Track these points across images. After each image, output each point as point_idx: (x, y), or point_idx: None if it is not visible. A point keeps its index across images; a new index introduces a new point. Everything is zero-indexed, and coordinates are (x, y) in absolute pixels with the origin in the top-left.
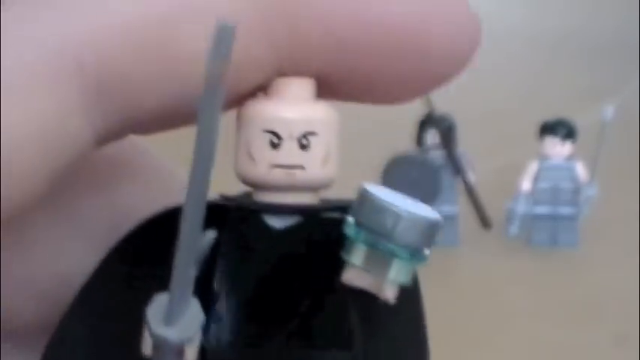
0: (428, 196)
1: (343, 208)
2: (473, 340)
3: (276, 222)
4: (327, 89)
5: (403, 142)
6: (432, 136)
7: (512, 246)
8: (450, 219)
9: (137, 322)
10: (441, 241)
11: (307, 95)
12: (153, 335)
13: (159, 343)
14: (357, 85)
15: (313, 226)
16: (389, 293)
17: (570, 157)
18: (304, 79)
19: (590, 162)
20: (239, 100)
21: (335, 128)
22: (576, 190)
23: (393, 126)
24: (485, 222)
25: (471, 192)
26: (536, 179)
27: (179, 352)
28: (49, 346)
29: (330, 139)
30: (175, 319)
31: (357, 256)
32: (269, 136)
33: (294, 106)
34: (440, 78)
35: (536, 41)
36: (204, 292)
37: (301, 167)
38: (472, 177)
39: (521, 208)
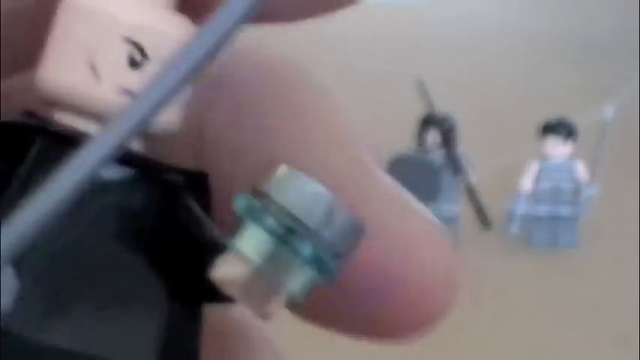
0: (428, 197)
1: (192, 174)
2: (473, 340)
3: (105, 169)
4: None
5: (403, 142)
6: (432, 136)
7: (512, 246)
8: (450, 219)
9: None
10: None
11: (174, 1)
12: None
13: None
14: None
15: (147, 185)
16: (274, 310)
17: (571, 157)
18: None
19: (591, 162)
20: None
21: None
22: (577, 190)
23: (393, 126)
24: (485, 222)
25: (471, 192)
26: (536, 179)
27: None
28: None
29: None
30: None
31: (255, 249)
32: (129, 49)
33: (170, 14)
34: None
35: (536, 41)
36: None
37: None
38: (472, 177)
39: (521, 208)
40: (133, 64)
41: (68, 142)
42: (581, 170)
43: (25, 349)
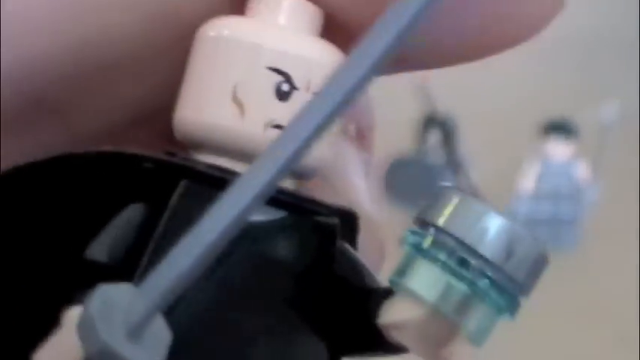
0: (427, 197)
1: (344, 213)
2: None
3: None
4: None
5: (403, 142)
6: (433, 137)
7: None
8: None
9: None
10: None
11: (318, 28)
12: (104, 347)
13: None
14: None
15: (302, 228)
16: (451, 356)
17: (572, 158)
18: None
19: (592, 162)
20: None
21: None
22: (578, 191)
23: (393, 126)
24: None
25: (471, 192)
26: (537, 180)
27: None
28: None
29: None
30: (139, 335)
31: (429, 288)
32: (276, 79)
33: (315, 41)
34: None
35: (536, 41)
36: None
37: None
38: (473, 177)
39: (522, 208)
40: (281, 95)
41: (214, 183)
42: (583, 171)
43: None
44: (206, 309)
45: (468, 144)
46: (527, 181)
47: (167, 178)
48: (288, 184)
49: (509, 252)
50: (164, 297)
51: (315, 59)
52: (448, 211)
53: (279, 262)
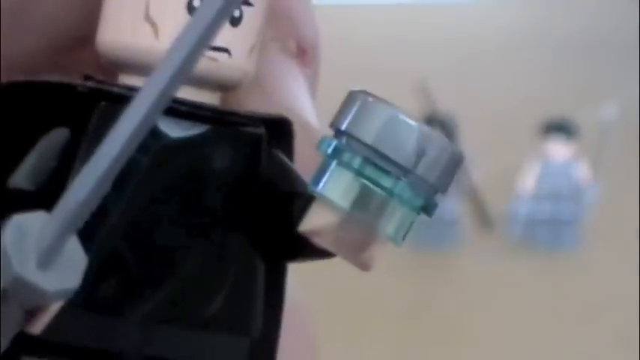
0: None
1: (268, 120)
2: (474, 340)
3: (172, 128)
4: None
5: None
6: None
7: (513, 247)
8: (451, 220)
9: None
10: (441, 243)
11: None
12: (17, 277)
13: (19, 289)
14: None
15: (225, 140)
16: (373, 257)
17: (573, 158)
18: None
19: (592, 163)
20: None
21: (267, 3)
22: (578, 191)
23: None
24: (486, 223)
25: (472, 193)
26: (538, 180)
27: (38, 307)
28: None
29: (262, 19)
30: (52, 261)
31: (342, 195)
32: None
33: None
34: None
35: (536, 41)
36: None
37: (227, 52)
38: (473, 177)
39: (522, 209)
40: (191, 9)
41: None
42: (583, 171)
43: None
44: (134, 222)
45: (468, 144)
46: (528, 181)
47: (86, 102)
48: (210, 97)
49: (419, 153)
50: (74, 220)
51: None
52: (353, 114)
53: (205, 173)
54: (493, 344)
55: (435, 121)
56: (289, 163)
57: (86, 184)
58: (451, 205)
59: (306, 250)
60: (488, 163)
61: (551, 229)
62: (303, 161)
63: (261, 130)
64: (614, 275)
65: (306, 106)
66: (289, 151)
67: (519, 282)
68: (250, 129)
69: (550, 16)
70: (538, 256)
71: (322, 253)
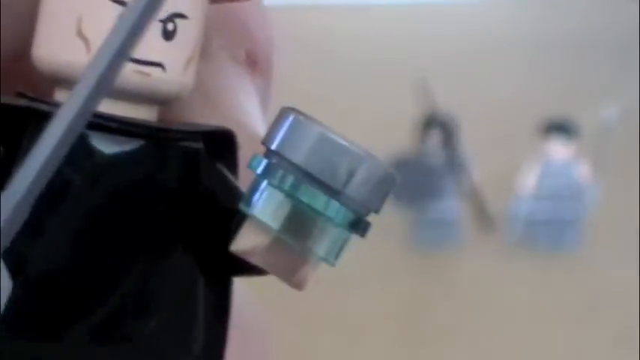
0: (428, 198)
1: (207, 133)
2: (474, 340)
3: (105, 144)
4: None
5: (403, 142)
6: (434, 137)
7: (513, 247)
8: (451, 220)
9: None
10: (441, 243)
11: None
12: None
13: None
14: None
15: (161, 156)
16: (306, 277)
17: (573, 158)
18: None
19: (592, 163)
20: None
21: (204, 16)
22: (579, 191)
23: (393, 126)
24: (486, 223)
25: (472, 193)
26: (538, 180)
27: None
28: None
29: (199, 31)
30: None
31: (272, 215)
32: (118, 10)
33: None
34: None
35: (537, 41)
36: None
37: (161, 66)
38: (474, 178)
39: (523, 209)
40: None
41: None
42: (583, 171)
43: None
44: (69, 242)
45: (469, 144)
46: (528, 181)
47: (18, 120)
48: (147, 112)
49: (350, 173)
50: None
51: None
52: (284, 133)
53: (141, 188)
54: (493, 344)
55: (435, 121)
56: (231, 178)
57: (7, 205)
58: (451, 205)
59: (244, 267)
60: (488, 163)
61: (552, 229)
62: (251, 174)
63: (198, 145)
64: (614, 275)
65: (255, 118)
66: (233, 164)
67: (519, 282)
68: (188, 143)
69: (550, 16)
70: (538, 257)
71: (258, 271)
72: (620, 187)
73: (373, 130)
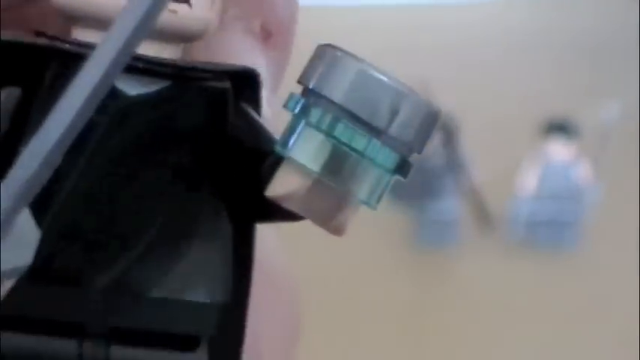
0: (428, 198)
1: (236, 73)
2: (473, 340)
3: (129, 85)
4: None
5: None
6: (435, 138)
7: (514, 247)
8: (451, 221)
9: None
10: (441, 243)
11: None
12: None
13: None
14: None
15: (187, 96)
16: (346, 222)
17: (574, 158)
18: None
19: (592, 163)
20: None
21: None
22: (579, 192)
23: None
24: (487, 223)
25: (473, 193)
26: (538, 180)
27: None
28: None
29: None
30: (2, 238)
31: (312, 157)
32: None
33: None
34: None
35: (537, 41)
36: None
37: (187, 2)
38: (474, 178)
39: (523, 209)
40: None
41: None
42: (583, 171)
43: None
44: (95, 187)
45: (469, 144)
46: (528, 182)
47: (38, 60)
48: (173, 50)
49: (393, 111)
50: (26, 193)
51: None
52: (322, 70)
53: (167, 130)
54: (493, 344)
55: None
56: (258, 117)
57: (38, 153)
58: (451, 205)
59: (275, 212)
60: (489, 163)
61: (552, 229)
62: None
63: (226, 84)
64: (614, 275)
65: (264, 93)
66: (256, 103)
67: (519, 282)
68: (214, 83)
69: (550, 17)
70: (538, 257)
71: (292, 216)
72: (620, 187)
73: None
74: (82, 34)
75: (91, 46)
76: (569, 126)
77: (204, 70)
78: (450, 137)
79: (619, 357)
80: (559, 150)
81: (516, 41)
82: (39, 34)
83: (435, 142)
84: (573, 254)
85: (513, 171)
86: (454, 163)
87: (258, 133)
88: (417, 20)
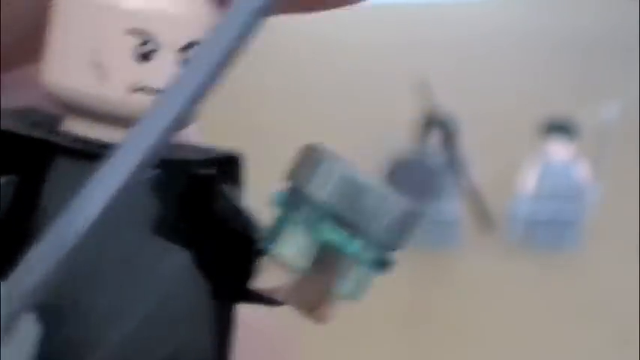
0: (428, 198)
1: (222, 160)
2: (473, 340)
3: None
4: None
5: (403, 142)
6: (434, 137)
7: (513, 247)
8: (451, 221)
9: None
10: (441, 243)
11: None
12: None
13: None
14: None
15: (177, 183)
16: (329, 312)
17: (574, 158)
18: None
19: (592, 163)
20: None
21: None
22: (579, 191)
23: (393, 126)
24: (487, 223)
25: (473, 193)
26: (538, 180)
27: None
28: None
29: None
30: (8, 333)
31: (297, 254)
32: (136, 41)
33: None
34: None
35: (537, 41)
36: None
37: None
38: (474, 178)
39: (523, 209)
40: (142, 56)
41: (88, 155)
42: (583, 171)
43: None
44: (75, 276)
45: (469, 144)
46: (528, 182)
47: (37, 150)
48: None
49: (375, 213)
50: (30, 295)
51: (178, 14)
52: (308, 170)
53: (154, 216)
54: (493, 344)
55: (435, 121)
56: (243, 204)
57: (52, 253)
58: (451, 205)
59: (259, 297)
60: (489, 163)
61: (552, 229)
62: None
63: (212, 171)
64: (614, 275)
65: None
66: (238, 184)
67: (519, 282)
68: (202, 170)
69: (550, 16)
70: (538, 257)
71: (274, 302)
72: (620, 187)
73: (374, 130)
74: (72, 122)
75: (92, 143)
76: (569, 126)
77: (190, 160)
78: (449, 137)
79: (619, 357)
80: (559, 150)
81: (516, 40)
82: (31, 111)
83: (435, 142)
84: (573, 254)
85: (513, 171)
86: (454, 163)
87: (244, 219)
88: (416, 20)
